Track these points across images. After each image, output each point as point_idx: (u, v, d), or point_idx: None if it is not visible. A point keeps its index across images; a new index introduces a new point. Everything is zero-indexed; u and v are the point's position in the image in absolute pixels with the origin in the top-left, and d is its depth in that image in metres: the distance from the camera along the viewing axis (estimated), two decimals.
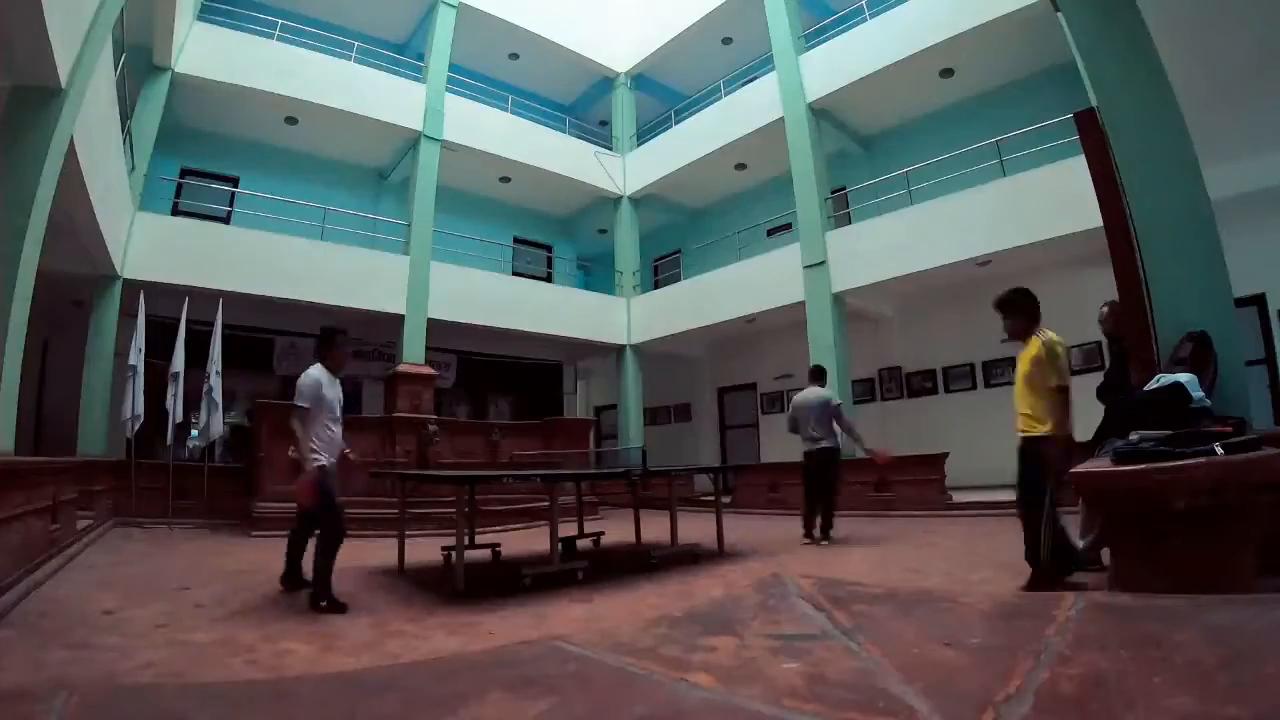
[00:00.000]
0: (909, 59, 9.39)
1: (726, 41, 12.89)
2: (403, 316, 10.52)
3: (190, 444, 10.17)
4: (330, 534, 3.74)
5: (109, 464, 7.62)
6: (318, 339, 4.20)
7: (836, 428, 6.30)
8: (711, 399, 14.26)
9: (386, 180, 12.55)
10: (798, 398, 6.50)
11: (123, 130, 7.62)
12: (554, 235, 15.21)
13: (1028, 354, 3.62)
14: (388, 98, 11.09)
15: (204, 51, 9.55)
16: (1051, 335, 3.58)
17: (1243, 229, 4.51)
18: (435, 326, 10.81)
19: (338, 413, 4.03)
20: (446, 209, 11.71)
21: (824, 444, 6.22)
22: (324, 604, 3.61)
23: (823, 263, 10.06)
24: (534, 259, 14.56)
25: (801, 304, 10.23)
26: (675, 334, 12.70)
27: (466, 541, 4.67)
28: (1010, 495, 3.85)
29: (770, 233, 12.46)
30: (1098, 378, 4.27)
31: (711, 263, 12.51)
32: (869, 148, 11.65)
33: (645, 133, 14.24)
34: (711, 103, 12.61)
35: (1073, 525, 3.56)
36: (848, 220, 10.72)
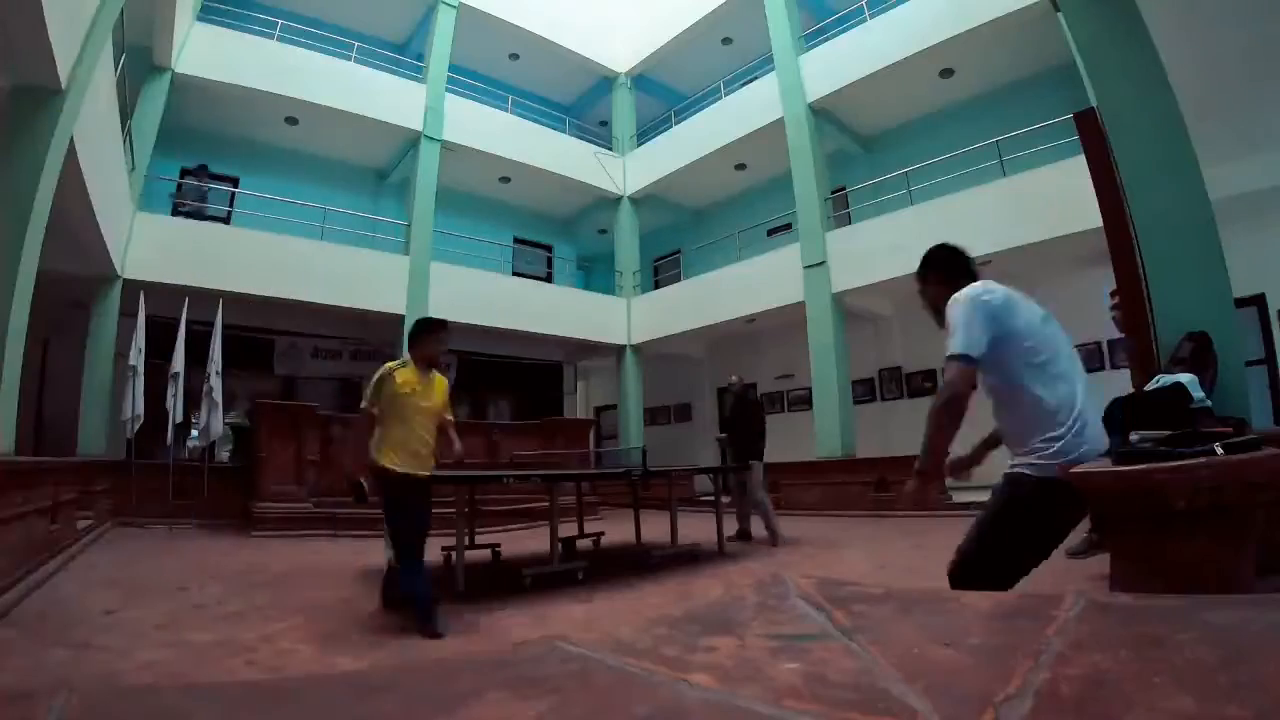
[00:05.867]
0: (909, 59, 9.40)
1: (726, 42, 12.89)
2: (403, 316, 10.52)
3: (190, 444, 10.17)
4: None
5: (109, 464, 7.62)
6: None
7: None
8: (711, 399, 14.25)
9: (386, 180, 12.54)
10: None
11: (123, 130, 7.61)
12: (554, 235, 15.20)
13: None
14: (388, 98, 11.09)
15: (204, 52, 9.56)
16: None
17: (1243, 229, 4.51)
18: None
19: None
20: (446, 209, 11.70)
21: None
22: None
23: (823, 263, 10.05)
24: (534, 259, 14.55)
25: (801, 304, 10.23)
26: (675, 334, 12.70)
27: (466, 541, 4.67)
28: None
29: (770, 233, 12.46)
30: (1097, 378, 4.26)
31: (711, 263, 12.50)
32: (869, 148, 11.65)
33: (645, 133, 14.23)
34: (711, 103, 12.61)
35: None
36: (848, 220, 10.72)
